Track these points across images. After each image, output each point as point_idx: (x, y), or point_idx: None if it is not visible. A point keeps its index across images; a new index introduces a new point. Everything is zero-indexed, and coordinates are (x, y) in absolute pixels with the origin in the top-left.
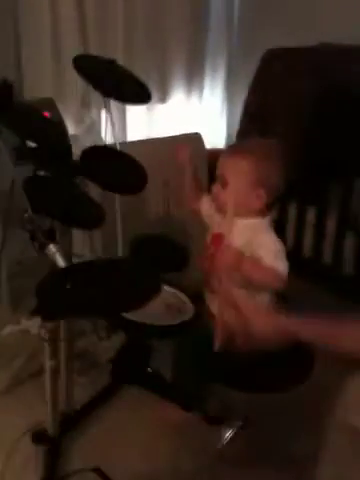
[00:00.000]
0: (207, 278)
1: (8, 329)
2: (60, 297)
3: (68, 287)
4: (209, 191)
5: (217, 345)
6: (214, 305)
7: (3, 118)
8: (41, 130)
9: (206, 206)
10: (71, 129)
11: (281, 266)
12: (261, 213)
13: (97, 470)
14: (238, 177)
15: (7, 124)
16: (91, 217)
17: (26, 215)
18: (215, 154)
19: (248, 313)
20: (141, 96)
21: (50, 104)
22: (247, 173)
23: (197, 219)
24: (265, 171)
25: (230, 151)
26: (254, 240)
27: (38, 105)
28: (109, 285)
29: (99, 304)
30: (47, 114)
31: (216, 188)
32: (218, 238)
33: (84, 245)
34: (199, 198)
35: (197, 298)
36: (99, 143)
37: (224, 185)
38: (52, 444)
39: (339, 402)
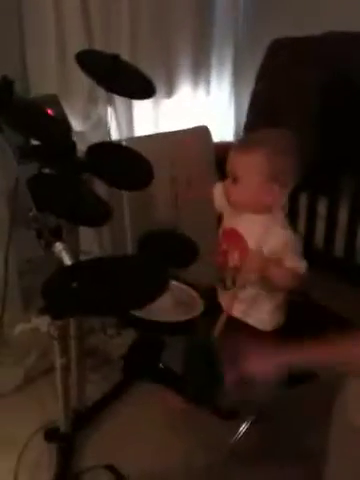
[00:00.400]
0: (220, 272)
1: (19, 327)
2: (66, 296)
3: (74, 286)
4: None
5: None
6: (225, 302)
7: (3, 116)
8: (42, 127)
9: (218, 194)
10: (78, 125)
11: (301, 266)
12: (275, 208)
13: (110, 467)
14: (250, 173)
15: (7, 122)
16: (97, 214)
17: (31, 214)
18: (223, 147)
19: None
20: (145, 91)
21: (53, 101)
22: (259, 168)
23: (206, 214)
24: (278, 165)
25: (240, 145)
26: (270, 236)
27: (41, 102)
28: (115, 283)
29: (106, 303)
30: (50, 111)
31: (228, 183)
32: (233, 235)
33: (93, 242)
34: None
35: (207, 293)
36: (106, 139)
37: (235, 181)
38: (65, 441)
39: (339, 400)
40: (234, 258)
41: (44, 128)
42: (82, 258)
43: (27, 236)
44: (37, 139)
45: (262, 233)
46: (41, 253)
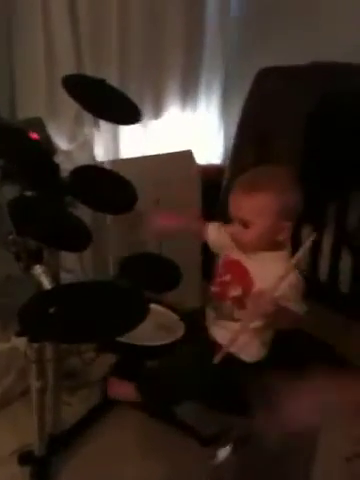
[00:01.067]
0: (215, 303)
1: None
2: (43, 321)
3: (51, 311)
4: (204, 212)
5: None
6: (217, 330)
7: None
8: (23, 152)
9: (213, 235)
10: (64, 145)
11: (303, 309)
12: (283, 245)
13: None
14: (262, 216)
15: None
16: (77, 240)
17: (11, 237)
18: (210, 170)
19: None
20: (131, 117)
21: (38, 124)
22: (271, 210)
23: (189, 238)
24: (288, 203)
25: (245, 189)
26: (284, 275)
27: (25, 125)
28: (93, 311)
29: (83, 330)
30: (34, 135)
31: (236, 229)
32: (238, 268)
33: (75, 261)
34: (202, 226)
35: (188, 316)
36: (92, 160)
37: (246, 225)
38: (39, 465)
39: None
40: (236, 291)
41: (24, 152)
42: (64, 277)
43: (5, 253)
44: (17, 163)
45: (272, 269)
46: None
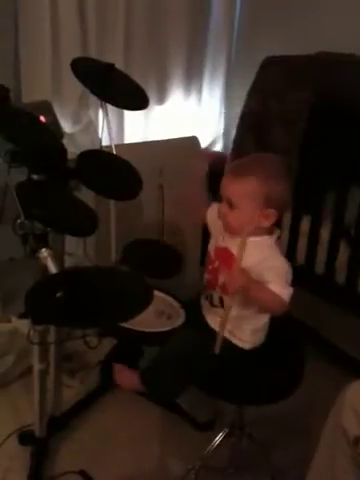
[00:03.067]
0: (208, 290)
1: None
2: (49, 306)
3: (59, 295)
4: (213, 196)
5: (217, 349)
6: (211, 318)
7: None
8: (34, 137)
9: (212, 214)
10: (68, 128)
11: (286, 294)
12: (269, 231)
13: (83, 473)
14: (247, 199)
15: (1, 131)
16: (84, 225)
17: (19, 221)
18: (211, 156)
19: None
20: (138, 102)
21: (46, 107)
22: (256, 194)
23: (192, 225)
24: (274, 190)
25: (234, 172)
26: (264, 260)
27: (34, 109)
28: (99, 296)
29: (89, 315)
30: (43, 118)
31: (224, 208)
32: (226, 254)
33: (77, 244)
34: (204, 208)
35: (189, 304)
36: (96, 143)
37: (231, 207)
38: (39, 446)
39: (337, 402)
40: (224, 277)
41: (35, 138)
42: (66, 260)
43: (10, 235)
44: (28, 148)
45: (258, 255)
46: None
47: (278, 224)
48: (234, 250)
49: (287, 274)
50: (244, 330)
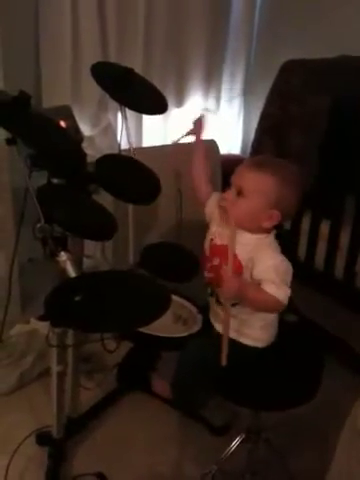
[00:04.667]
0: (211, 287)
1: (17, 328)
2: (68, 309)
3: (77, 299)
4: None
5: (223, 361)
6: (216, 317)
7: (19, 131)
8: (54, 142)
9: (212, 203)
10: (87, 130)
11: (282, 294)
12: (267, 230)
13: (100, 475)
14: (259, 193)
15: (22, 137)
16: (103, 230)
17: (39, 225)
18: (229, 160)
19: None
20: (157, 107)
21: (67, 112)
22: (270, 192)
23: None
24: (287, 194)
25: (253, 164)
26: (259, 258)
27: (54, 114)
28: (118, 301)
29: (106, 320)
30: (63, 123)
31: (230, 195)
32: (224, 251)
33: (96, 247)
34: (208, 190)
35: (206, 308)
36: (114, 145)
37: (240, 194)
38: (56, 447)
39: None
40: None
41: (55, 143)
42: (84, 261)
43: (28, 235)
44: (48, 154)
45: (253, 252)
46: (41, 253)
47: (296, 228)
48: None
49: (285, 273)
50: (253, 327)
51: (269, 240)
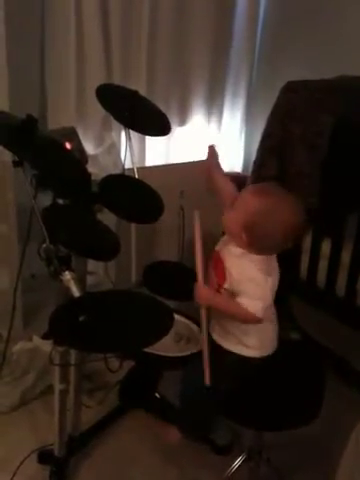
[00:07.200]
0: None
1: (19, 345)
2: (73, 330)
3: (81, 319)
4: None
5: (207, 379)
6: (213, 329)
7: (26, 154)
8: (59, 165)
9: (228, 191)
10: (91, 149)
11: (254, 307)
12: (250, 249)
13: None
14: (241, 209)
15: (29, 160)
16: (107, 250)
17: (44, 245)
18: (231, 177)
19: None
20: (161, 129)
21: (72, 133)
22: (248, 212)
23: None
24: (262, 224)
25: (258, 186)
26: (240, 271)
27: (60, 135)
28: (121, 321)
29: (110, 340)
30: (68, 144)
31: (227, 208)
32: (216, 257)
33: (98, 264)
34: (224, 177)
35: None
36: (118, 164)
37: (232, 208)
38: (58, 465)
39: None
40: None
41: (60, 165)
42: (87, 279)
43: (31, 252)
44: (53, 176)
45: (240, 263)
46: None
47: (298, 246)
48: (224, 255)
49: (264, 291)
50: (250, 334)
51: (255, 257)
